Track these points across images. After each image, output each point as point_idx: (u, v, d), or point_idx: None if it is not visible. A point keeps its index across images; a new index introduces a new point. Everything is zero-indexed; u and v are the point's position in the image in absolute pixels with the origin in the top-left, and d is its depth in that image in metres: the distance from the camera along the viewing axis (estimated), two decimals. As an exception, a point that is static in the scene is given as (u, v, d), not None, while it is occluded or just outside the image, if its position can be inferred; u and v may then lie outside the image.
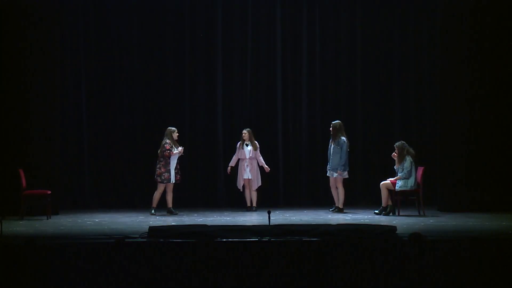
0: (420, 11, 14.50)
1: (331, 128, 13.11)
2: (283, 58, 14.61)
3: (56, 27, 13.23)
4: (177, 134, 12.89)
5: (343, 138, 13.00)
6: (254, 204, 13.53)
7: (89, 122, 14.36)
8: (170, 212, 12.76)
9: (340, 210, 13.04)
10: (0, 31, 12.82)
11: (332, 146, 13.07)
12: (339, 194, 13.08)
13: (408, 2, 14.58)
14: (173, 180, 12.77)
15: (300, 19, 14.65)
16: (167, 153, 12.69)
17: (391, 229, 9.28)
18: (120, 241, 8.28)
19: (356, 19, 14.64)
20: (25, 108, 12.83)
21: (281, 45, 14.58)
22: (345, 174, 13.08)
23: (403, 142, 12.67)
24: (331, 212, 13.08)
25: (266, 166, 13.55)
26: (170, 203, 12.90)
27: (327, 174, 13.22)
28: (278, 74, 14.57)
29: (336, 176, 13.04)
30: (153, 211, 12.76)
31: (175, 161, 12.79)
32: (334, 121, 13.23)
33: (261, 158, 13.58)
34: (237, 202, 13.91)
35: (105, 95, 14.42)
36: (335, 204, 13.19)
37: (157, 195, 12.85)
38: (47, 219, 12.16)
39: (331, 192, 13.27)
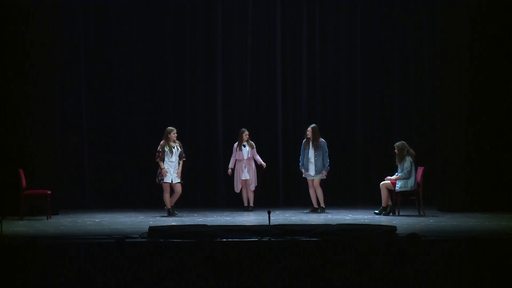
0: (420, 10, 14.50)
1: (310, 132, 13.04)
2: (283, 58, 14.61)
3: (56, 27, 13.22)
4: (175, 134, 12.78)
5: (322, 139, 13.04)
6: (251, 204, 13.54)
7: (89, 122, 14.36)
8: (168, 213, 12.70)
9: (322, 210, 13.04)
10: (0, 31, 12.82)
11: (312, 150, 13.01)
12: (318, 194, 13.09)
13: (408, 2, 14.58)
14: (166, 179, 12.61)
15: (300, 19, 14.65)
16: (156, 156, 12.66)
17: (391, 229, 9.29)
18: (120, 241, 8.28)
19: (356, 19, 14.64)
20: (25, 108, 12.83)
21: (281, 45, 14.58)
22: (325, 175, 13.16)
23: (403, 142, 12.67)
24: (308, 213, 13.02)
25: (264, 163, 13.58)
26: (170, 203, 12.84)
27: (304, 176, 13.20)
28: (278, 74, 14.57)
29: (319, 177, 13.03)
30: (171, 211, 12.62)
31: (172, 162, 12.67)
32: (312, 124, 13.24)
33: (258, 157, 13.60)
34: (237, 202, 13.90)
35: (105, 95, 14.43)
36: (313, 205, 13.18)
37: (164, 196, 12.72)
38: (47, 219, 12.15)
39: (323, 193, 13.20)
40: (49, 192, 12.38)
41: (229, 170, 13.62)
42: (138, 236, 9.12)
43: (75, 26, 14.28)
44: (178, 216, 12.49)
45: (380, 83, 14.66)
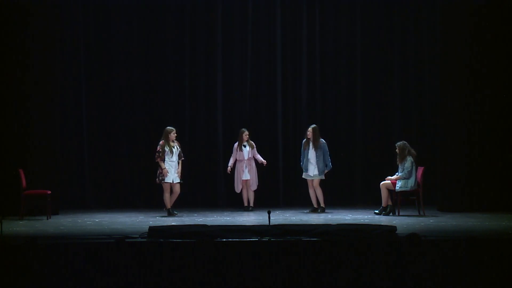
0: (420, 10, 14.50)
1: (310, 133, 13.06)
2: (283, 58, 14.61)
3: (56, 27, 13.22)
4: (175, 134, 12.77)
5: (322, 140, 13.06)
6: (251, 204, 13.54)
7: (89, 122, 14.36)
8: (168, 213, 12.69)
9: (322, 210, 13.05)
10: (0, 31, 12.82)
11: (313, 150, 13.03)
12: (318, 194, 13.10)
13: (408, 2, 14.58)
14: (167, 180, 12.58)
15: (300, 19, 14.65)
16: (156, 156, 12.62)
17: (391, 229, 9.29)
18: (120, 241, 8.27)
19: (356, 19, 14.64)
20: (25, 108, 12.83)
21: (281, 45, 14.58)
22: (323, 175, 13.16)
23: (404, 142, 12.66)
24: (308, 213, 13.04)
25: (264, 160, 13.57)
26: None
27: (304, 177, 13.22)
28: (278, 73, 14.57)
29: (319, 178, 13.04)
30: (171, 211, 12.60)
31: (172, 162, 12.64)
32: (312, 124, 13.29)
33: (259, 156, 13.59)
34: (237, 202, 13.90)
35: (105, 95, 14.43)
36: (313, 205, 13.18)
37: (165, 196, 12.70)
38: (47, 219, 12.16)
39: (323, 193, 13.20)
40: (49, 192, 12.38)
41: (228, 168, 13.61)
42: (138, 236, 9.12)
43: (75, 26, 14.27)
44: (178, 216, 12.49)
45: (380, 83, 14.65)
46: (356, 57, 14.66)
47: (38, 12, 12.89)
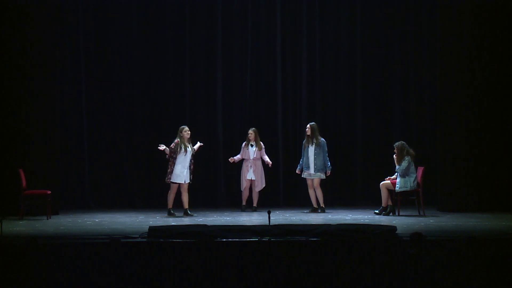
0: (420, 11, 14.50)
1: (309, 129, 13.08)
2: (283, 58, 14.61)
3: (56, 27, 13.22)
4: (188, 132, 12.64)
5: (322, 139, 13.08)
6: (255, 205, 13.52)
7: (89, 122, 14.36)
8: (186, 214, 12.67)
9: (323, 210, 13.05)
10: (0, 31, 12.82)
11: (313, 147, 13.05)
12: (318, 195, 13.10)
13: (408, 2, 14.58)
14: (176, 179, 12.55)
15: (300, 19, 14.64)
16: (169, 153, 12.56)
17: (391, 229, 9.29)
18: (114, 241, 8.22)
19: (356, 19, 14.64)
20: (25, 108, 12.83)
21: (281, 45, 14.58)
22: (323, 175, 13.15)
23: (403, 142, 12.64)
24: (308, 213, 13.03)
25: (270, 162, 13.53)
26: (185, 204, 12.74)
27: (304, 176, 13.22)
28: (278, 74, 14.57)
29: (319, 177, 13.04)
30: (171, 211, 12.59)
31: (186, 161, 12.57)
32: (310, 122, 13.33)
33: (266, 157, 13.56)
34: (237, 202, 13.90)
35: (105, 95, 14.43)
36: (313, 205, 13.18)
37: (169, 195, 12.66)
38: (47, 219, 12.15)
39: (316, 193, 13.20)
40: (49, 192, 12.37)
41: (230, 159, 13.56)
42: (138, 236, 9.12)
43: (74, 26, 14.27)
44: (178, 216, 12.49)
45: (380, 83, 14.65)
46: (356, 57, 14.66)
47: (38, 12, 12.88)
